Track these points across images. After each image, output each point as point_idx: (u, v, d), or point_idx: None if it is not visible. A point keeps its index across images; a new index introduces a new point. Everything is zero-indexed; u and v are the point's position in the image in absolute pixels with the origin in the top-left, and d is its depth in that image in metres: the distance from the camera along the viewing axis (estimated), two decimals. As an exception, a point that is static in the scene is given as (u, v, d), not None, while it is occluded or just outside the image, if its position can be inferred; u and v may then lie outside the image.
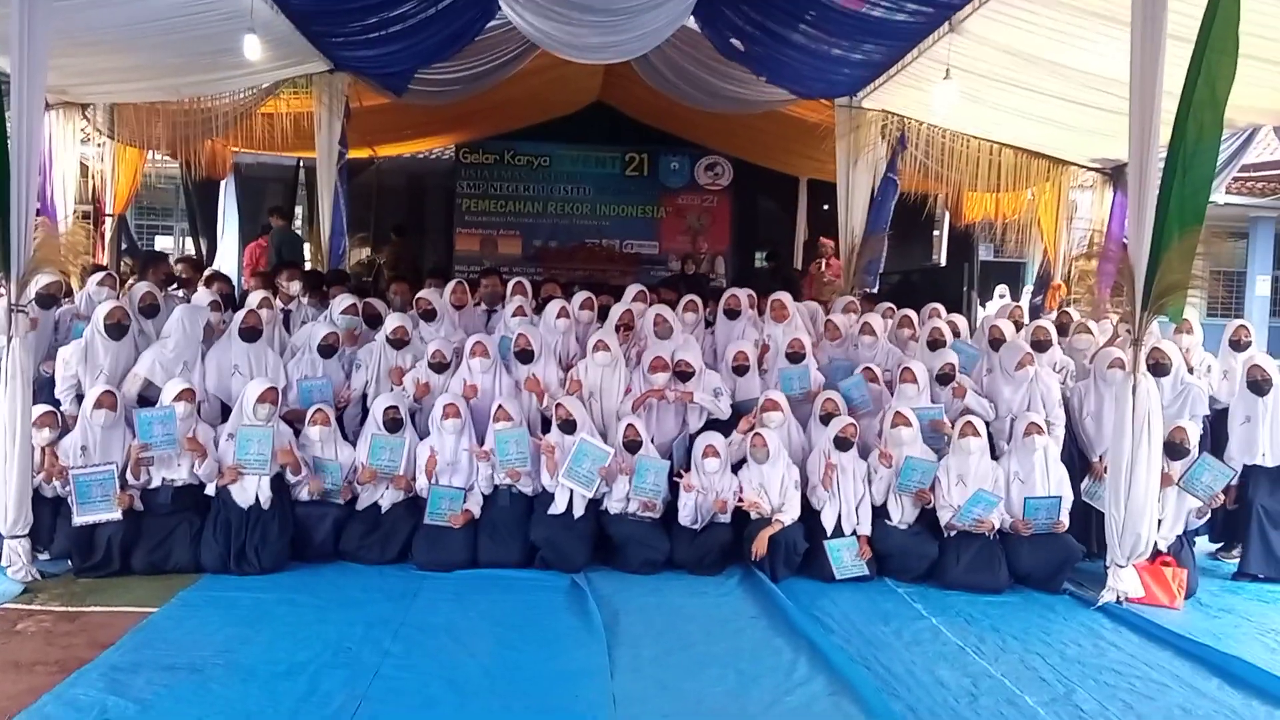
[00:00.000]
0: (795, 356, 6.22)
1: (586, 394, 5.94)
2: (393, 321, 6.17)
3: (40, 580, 4.92)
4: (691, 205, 13.98)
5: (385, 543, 5.50)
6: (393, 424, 5.59)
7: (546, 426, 5.82)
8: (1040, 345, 6.28)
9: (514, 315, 6.39)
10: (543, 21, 6.97)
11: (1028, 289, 11.80)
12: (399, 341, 6.11)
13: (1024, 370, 5.97)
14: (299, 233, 11.61)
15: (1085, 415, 6.03)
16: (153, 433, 5.14)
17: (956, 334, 6.61)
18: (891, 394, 6.07)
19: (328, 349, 5.98)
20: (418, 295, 6.55)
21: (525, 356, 6.02)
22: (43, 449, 5.07)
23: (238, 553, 5.15)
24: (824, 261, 10.56)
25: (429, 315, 6.40)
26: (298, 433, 5.58)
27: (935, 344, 6.39)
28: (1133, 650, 4.62)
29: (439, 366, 5.96)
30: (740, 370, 6.20)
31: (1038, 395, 5.97)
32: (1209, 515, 5.79)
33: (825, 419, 5.79)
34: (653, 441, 5.84)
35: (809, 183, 13.07)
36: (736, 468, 5.73)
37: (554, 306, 6.41)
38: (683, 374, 5.96)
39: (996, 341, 6.30)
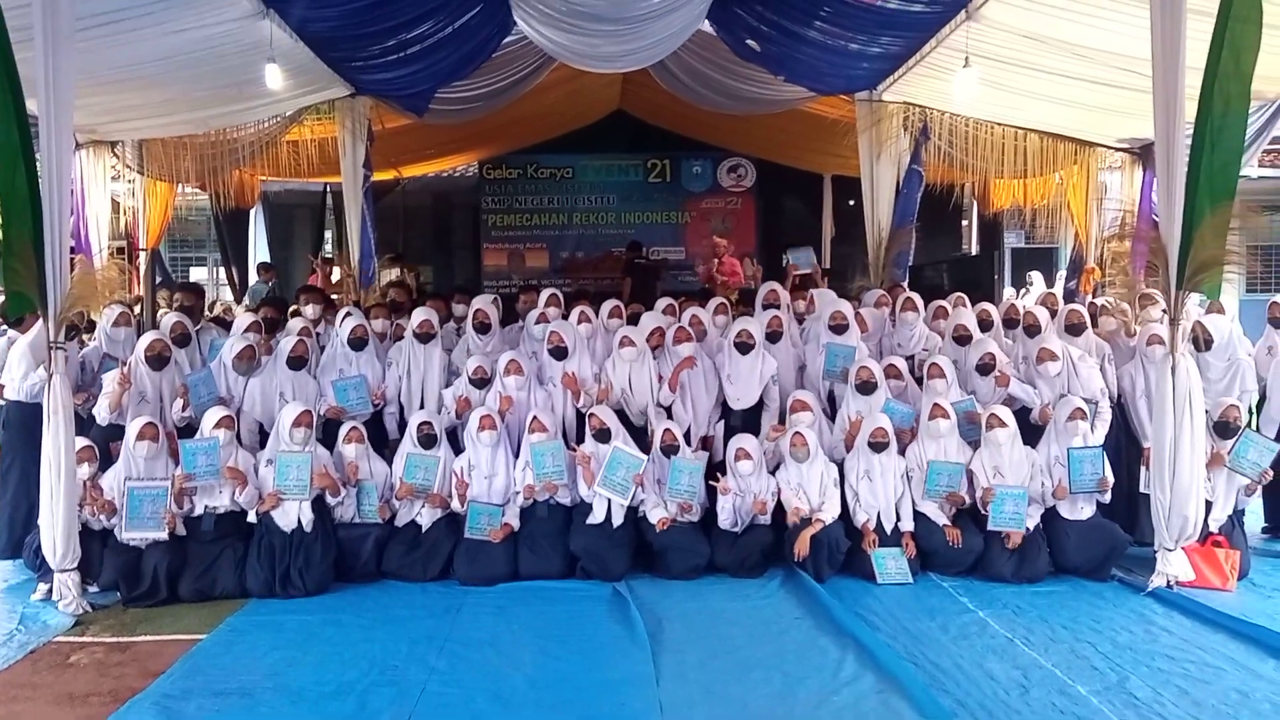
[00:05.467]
0: (839, 328, 6.20)
1: (619, 392, 5.96)
2: (419, 315, 6.24)
3: (91, 612, 4.98)
4: (716, 208, 14.00)
5: (427, 560, 5.52)
6: (426, 440, 5.63)
7: (583, 430, 5.83)
8: (1075, 329, 6.20)
9: (536, 323, 6.43)
10: (557, 33, 7.00)
11: (1061, 274, 11.66)
12: (426, 335, 6.17)
13: (1046, 366, 5.88)
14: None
15: (1138, 396, 5.92)
16: (197, 463, 5.21)
17: (989, 326, 6.52)
18: (920, 388, 6.04)
19: (358, 341, 6.10)
20: (476, 308, 6.53)
21: (559, 353, 6.07)
22: (84, 483, 5.15)
23: (282, 576, 5.20)
24: (717, 261, 10.43)
25: (483, 328, 6.41)
26: (333, 442, 5.64)
27: (962, 339, 6.33)
28: (1186, 635, 4.54)
29: (480, 382, 5.99)
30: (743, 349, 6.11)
31: (1075, 385, 5.87)
32: (1257, 491, 5.68)
33: (874, 446, 5.59)
34: (692, 413, 6.00)
35: (833, 179, 13.02)
36: (773, 469, 5.71)
37: (575, 313, 6.46)
38: (743, 345, 6.05)
39: (1031, 329, 6.23)
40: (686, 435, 5.96)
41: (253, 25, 6.16)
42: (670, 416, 6.01)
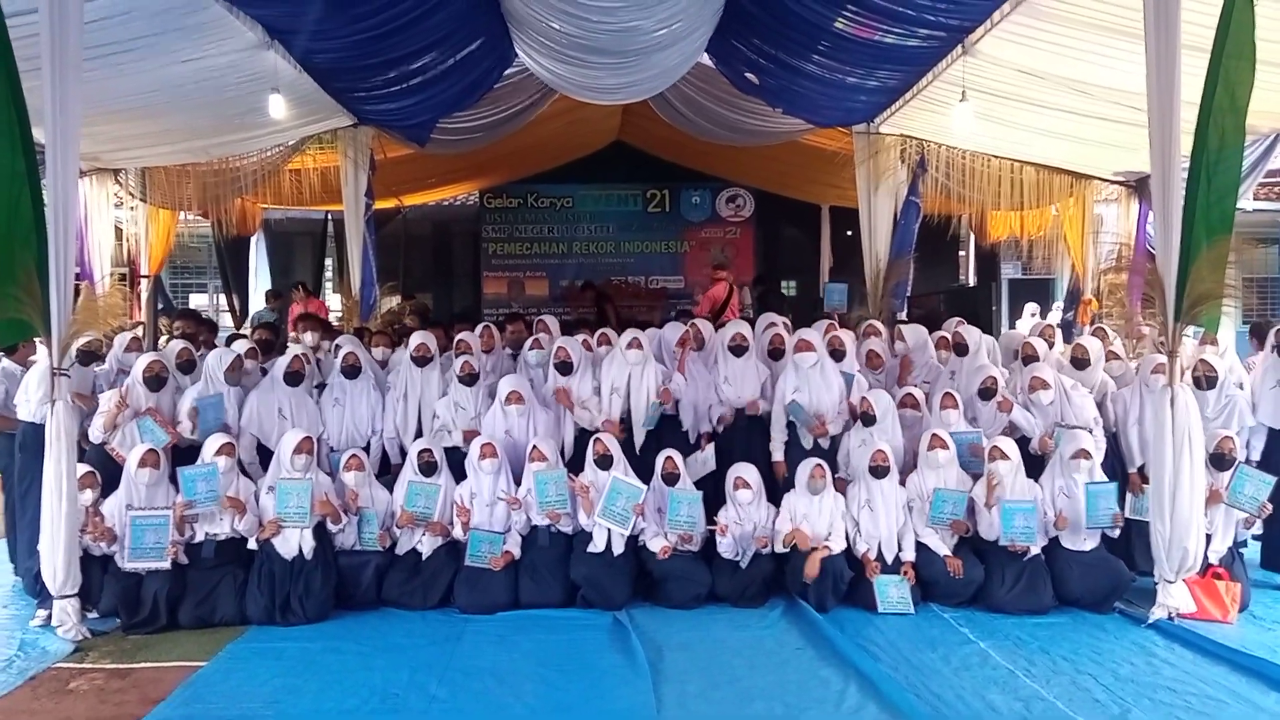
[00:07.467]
0: (837, 354, 6.23)
1: (609, 389, 6.01)
2: (415, 339, 6.29)
3: (90, 638, 4.96)
4: (714, 238, 14.10)
5: (427, 588, 5.51)
6: (427, 467, 5.64)
7: (582, 456, 5.84)
8: (1079, 363, 6.20)
9: (531, 349, 6.44)
10: (558, 65, 7.08)
11: (1058, 305, 11.72)
12: (422, 359, 6.20)
13: (1039, 394, 5.91)
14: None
15: (1130, 423, 5.94)
16: (197, 490, 5.21)
17: (965, 351, 6.53)
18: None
19: (350, 369, 6.13)
20: (457, 337, 6.61)
21: (565, 369, 6.12)
22: (85, 510, 5.14)
23: (283, 604, 5.19)
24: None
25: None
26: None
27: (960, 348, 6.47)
28: (1187, 667, 4.54)
29: (468, 379, 6.06)
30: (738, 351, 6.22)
31: (1068, 413, 5.89)
32: (1257, 525, 5.67)
33: (874, 471, 5.61)
34: (694, 410, 6.09)
35: (831, 209, 13.13)
36: (774, 498, 5.72)
37: (579, 337, 6.49)
38: (738, 348, 6.17)
39: (1030, 359, 6.25)
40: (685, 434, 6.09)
41: (257, 56, 6.22)
42: (677, 411, 6.09)
